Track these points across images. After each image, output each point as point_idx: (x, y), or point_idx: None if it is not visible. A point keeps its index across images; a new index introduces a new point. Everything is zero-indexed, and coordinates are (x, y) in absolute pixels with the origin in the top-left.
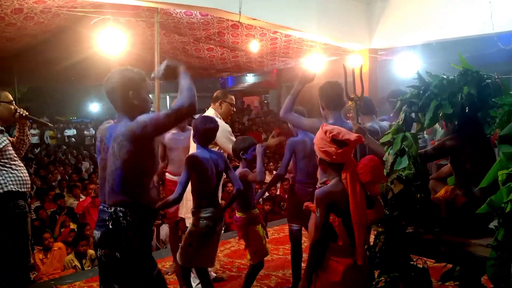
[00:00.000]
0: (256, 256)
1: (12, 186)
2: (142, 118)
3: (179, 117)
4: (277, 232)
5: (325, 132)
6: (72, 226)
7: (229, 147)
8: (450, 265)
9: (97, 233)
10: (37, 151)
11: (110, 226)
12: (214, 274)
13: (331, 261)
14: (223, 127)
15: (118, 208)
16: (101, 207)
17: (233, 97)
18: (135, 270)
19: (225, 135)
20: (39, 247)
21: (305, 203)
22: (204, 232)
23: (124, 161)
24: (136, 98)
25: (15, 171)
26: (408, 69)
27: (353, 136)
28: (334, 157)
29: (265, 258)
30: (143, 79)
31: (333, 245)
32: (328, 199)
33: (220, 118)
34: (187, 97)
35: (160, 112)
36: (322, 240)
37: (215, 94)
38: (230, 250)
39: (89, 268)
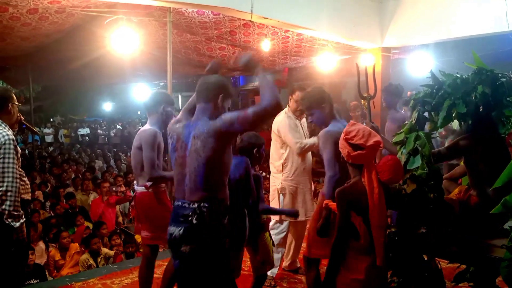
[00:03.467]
0: (263, 267)
1: (23, 195)
2: (228, 116)
3: (266, 115)
4: None
5: (344, 132)
6: (87, 223)
7: (292, 141)
8: (463, 266)
9: (177, 229)
10: (51, 149)
11: (194, 221)
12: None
13: (353, 259)
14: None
15: (202, 203)
16: (179, 203)
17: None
18: (220, 262)
19: (288, 129)
20: (54, 245)
21: (325, 201)
22: None
23: (207, 158)
24: (222, 103)
25: (24, 179)
26: (421, 68)
27: (370, 141)
28: (346, 158)
29: None
30: (231, 89)
31: (354, 244)
32: (346, 198)
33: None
34: (272, 95)
35: (247, 109)
36: (343, 239)
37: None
38: None
39: (104, 265)
